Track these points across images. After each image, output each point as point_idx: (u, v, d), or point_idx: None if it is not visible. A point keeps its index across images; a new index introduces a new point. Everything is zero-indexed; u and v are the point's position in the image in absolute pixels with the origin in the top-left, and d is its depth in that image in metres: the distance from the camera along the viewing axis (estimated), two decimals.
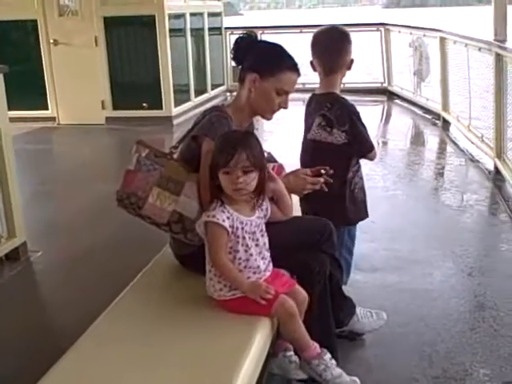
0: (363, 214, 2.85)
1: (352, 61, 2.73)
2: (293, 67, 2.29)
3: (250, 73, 2.26)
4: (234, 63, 2.42)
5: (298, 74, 2.31)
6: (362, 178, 2.81)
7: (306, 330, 2.08)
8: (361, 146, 2.70)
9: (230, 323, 1.95)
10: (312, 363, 2.09)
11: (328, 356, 2.11)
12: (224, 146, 1.96)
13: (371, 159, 2.79)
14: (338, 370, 2.13)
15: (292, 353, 2.11)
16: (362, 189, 2.81)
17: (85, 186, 5.32)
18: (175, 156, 2.23)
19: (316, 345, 2.10)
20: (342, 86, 2.79)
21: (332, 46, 2.70)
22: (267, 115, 2.34)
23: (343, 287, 2.59)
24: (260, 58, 2.29)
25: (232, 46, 2.37)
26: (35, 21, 7.97)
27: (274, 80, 2.25)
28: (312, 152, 2.75)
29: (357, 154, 2.73)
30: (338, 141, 2.66)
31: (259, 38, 2.48)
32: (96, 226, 4.33)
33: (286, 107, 2.32)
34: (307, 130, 2.79)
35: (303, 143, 2.83)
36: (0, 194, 3.63)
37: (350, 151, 2.69)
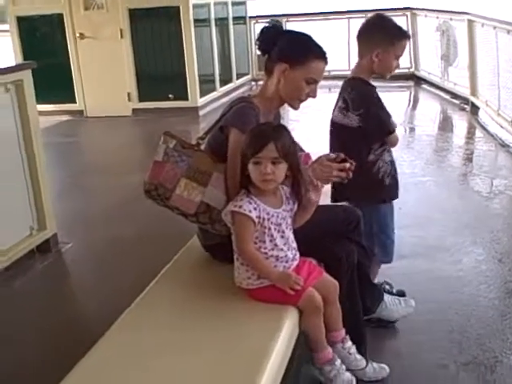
0: (385, 195, 2.77)
1: None
2: (321, 56, 2.28)
3: (280, 63, 2.25)
4: (259, 52, 2.41)
5: (326, 63, 2.30)
6: (387, 163, 2.75)
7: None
8: (376, 129, 2.67)
9: (257, 313, 1.96)
10: (324, 369, 2.11)
11: (339, 362, 2.13)
12: (255, 136, 1.98)
13: (392, 145, 2.76)
14: (349, 376, 2.14)
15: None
16: (389, 174, 2.76)
17: (114, 178, 5.38)
18: (202, 147, 2.25)
19: (329, 350, 2.12)
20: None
21: (362, 32, 2.71)
22: (295, 105, 2.33)
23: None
24: (289, 48, 2.27)
25: (257, 36, 2.35)
26: (61, 15, 8.05)
27: (303, 69, 2.24)
28: (331, 133, 2.79)
29: (374, 137, 2.71)
30: (353, 124, 2.66)
31: (284, 26, 2.45)
32: (125, 217, 4.39)
33: (314, 96, 2.32)
34: (332, 112, 2.81)
35: None
36: (31, 186, 3.70)
37: (363, 135, 2.68)
